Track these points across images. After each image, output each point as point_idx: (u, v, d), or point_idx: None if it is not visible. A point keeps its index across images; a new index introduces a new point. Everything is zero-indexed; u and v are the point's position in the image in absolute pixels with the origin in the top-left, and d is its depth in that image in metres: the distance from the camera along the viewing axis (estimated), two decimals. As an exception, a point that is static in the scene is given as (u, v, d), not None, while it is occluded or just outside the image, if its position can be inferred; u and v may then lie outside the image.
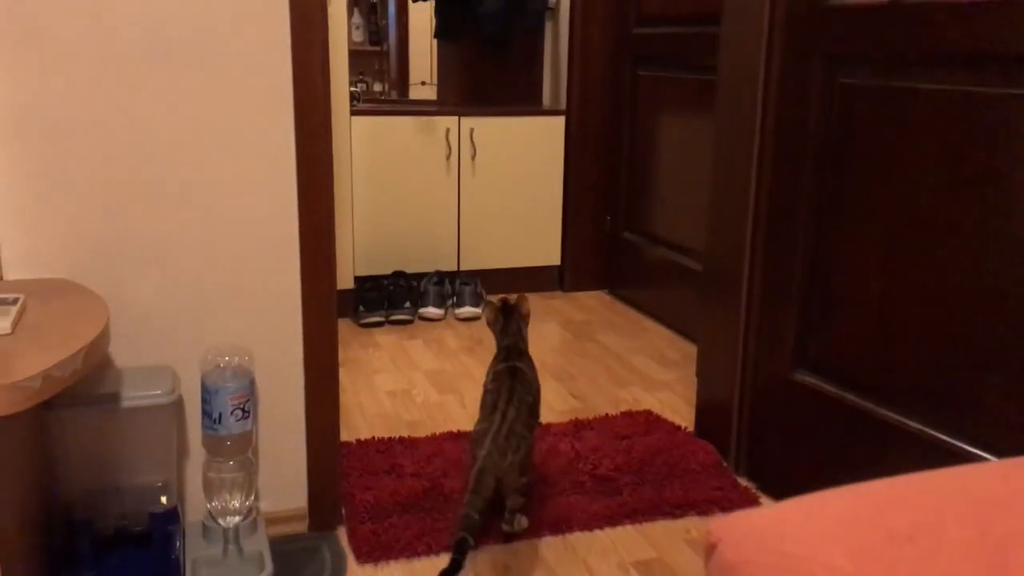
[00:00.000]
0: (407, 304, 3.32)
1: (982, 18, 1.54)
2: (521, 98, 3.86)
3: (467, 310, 3.35)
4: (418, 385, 2.72)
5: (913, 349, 1.73)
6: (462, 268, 3.56)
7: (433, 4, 3.69)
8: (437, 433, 2.34)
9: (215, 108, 1.72)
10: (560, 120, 3.57)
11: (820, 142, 1.90)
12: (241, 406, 1.74)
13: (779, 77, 1.99)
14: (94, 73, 1.63)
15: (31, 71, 1.60)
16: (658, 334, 3.27)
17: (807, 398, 1.99)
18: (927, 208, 1.67)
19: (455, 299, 3.43)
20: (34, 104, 1.61)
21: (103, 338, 1.38)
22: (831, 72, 1.86)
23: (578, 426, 2.39)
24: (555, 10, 3.66)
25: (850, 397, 1.89)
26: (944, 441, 1.69)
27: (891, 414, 1.80)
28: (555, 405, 2.59)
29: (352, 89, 3.30)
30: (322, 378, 1.92)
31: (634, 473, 2.12)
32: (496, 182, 3.53)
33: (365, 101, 3.67)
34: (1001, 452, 1.59)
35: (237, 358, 1.78)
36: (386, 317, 3.29)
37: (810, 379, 1.98)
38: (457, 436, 2.32)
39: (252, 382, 1.78)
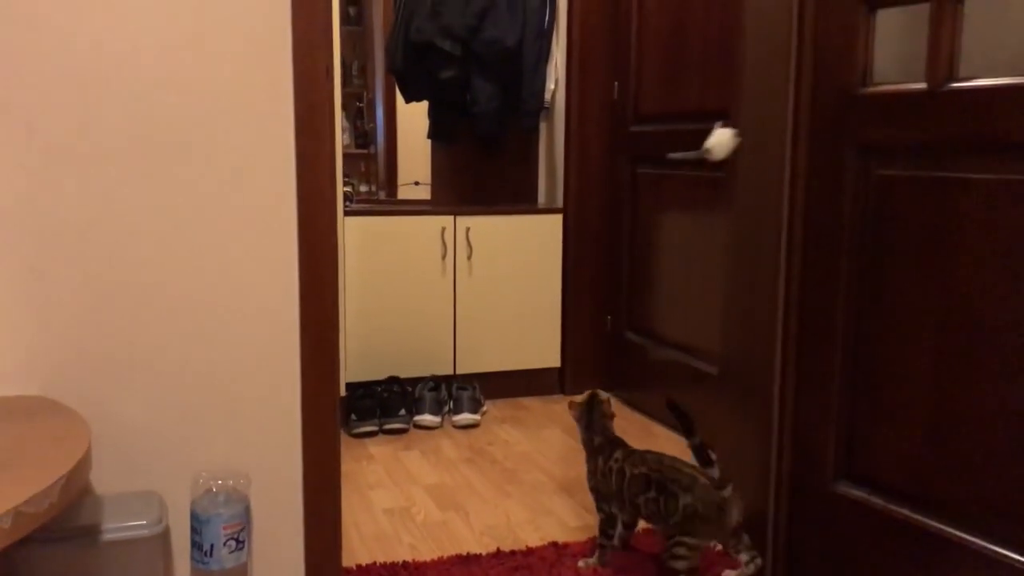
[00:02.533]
0: (402, 411, 3.14)
1: (1034, 104, 1.45)
2: (517, 197, 3.78)
3: (465, 417, 3.17)
4: (417, 502, 2.53)
5: (974, 459, 1.59)
6: (459, 372, 3.40)
7: (427, 105, 3.63)
8: (444, 556, 2.14)
9: (211, 208, 1.59)
10: (557, 218, 3.47)
11: (856, 236, 1.80)
12: (235, 536, 1.56)
13: (807, 169, 1.90)
14: (81, 172, 1.50)
15: (15, 172, 1.47)
16: (668, 440, 3.10)
17: (851, 512, 1.83)
18: (984, 307, 1.56)
19: (452, 405, 3.26)
20: (15, 207, 1.47)
21: (83, 466, 1.22)
22: (866, 163, 1.76)
23: (598, 546, 2.20)
24: (550, 109, 3.62)
25: (901, 511, 1.73)
26: (1010, 559, 1.53)
27: (949, 529, 1.64)
28: (568, 522, 2.40)
29: (345, 189, 3.20)
30: (322, 500, 1.74)
31: (663, 598, 1.94)
32: (493, 282, 3.41)
33: (358, 201, 3.57)
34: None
35: (231, 481, 1.61)
36: (380, 426, 3.11)
37: (855, 492, 1.82)
38: (466, 559, 2.12)
39: (247, 508, 1.60)
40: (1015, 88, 1.49)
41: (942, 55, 1.61)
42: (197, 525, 1.54)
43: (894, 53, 1.75)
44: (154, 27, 1.52)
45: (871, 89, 1.75)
